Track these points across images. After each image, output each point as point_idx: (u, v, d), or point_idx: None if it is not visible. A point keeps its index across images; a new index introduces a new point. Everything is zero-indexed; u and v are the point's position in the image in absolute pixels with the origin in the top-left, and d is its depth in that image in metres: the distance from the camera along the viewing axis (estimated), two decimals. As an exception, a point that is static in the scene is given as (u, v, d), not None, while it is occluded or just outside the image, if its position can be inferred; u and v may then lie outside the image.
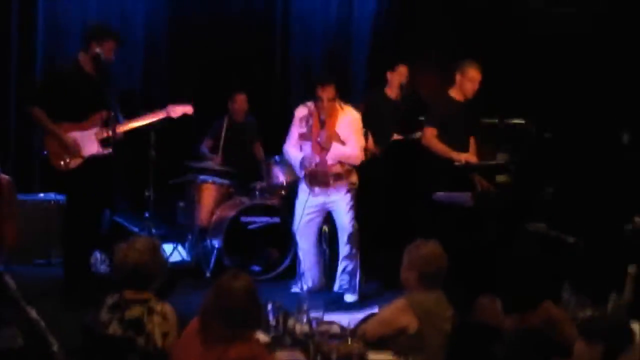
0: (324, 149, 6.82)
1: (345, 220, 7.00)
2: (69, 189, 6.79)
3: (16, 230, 6.86)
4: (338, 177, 6.94)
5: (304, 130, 6.93)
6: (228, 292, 3.73)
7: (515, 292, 4.48)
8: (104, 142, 6.57)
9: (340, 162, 6.91)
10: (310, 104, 6.92)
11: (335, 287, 7.13)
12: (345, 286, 7.07)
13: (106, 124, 6.52)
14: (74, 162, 6.58)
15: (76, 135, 6.56)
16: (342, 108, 6.89)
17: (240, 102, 8.37)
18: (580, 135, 7.94)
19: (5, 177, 6.86)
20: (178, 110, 6.99)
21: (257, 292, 3.82)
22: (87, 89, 6.52)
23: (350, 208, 7.00)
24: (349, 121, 6.89)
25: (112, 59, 6.60)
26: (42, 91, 6.73)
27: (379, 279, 7.37)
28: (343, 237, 7.04)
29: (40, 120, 6.55)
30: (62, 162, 6.58)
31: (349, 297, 7.03)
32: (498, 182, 7.17)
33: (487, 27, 8.79)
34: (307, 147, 6.93)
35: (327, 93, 6.71)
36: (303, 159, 6.93)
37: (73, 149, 6.54)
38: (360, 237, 7.11)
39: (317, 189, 6.94)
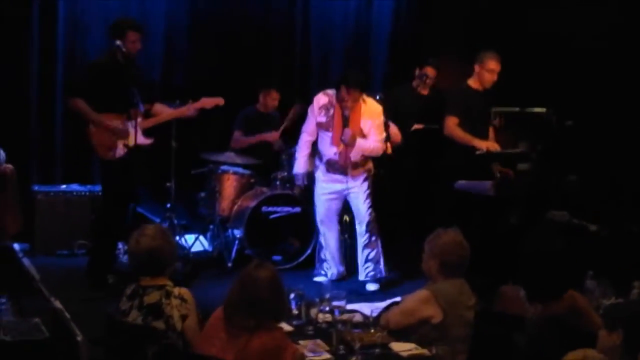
0: (347, 146, 6.82)
1: (363, 208, 7.02)
2: (108, 179, 6.84)
3: (19, 218, 6.96)
4: (355, 165, 6.96)
5: (323, 119, 6.92)
6: (253, 282, 3.75)
7: (539, 281, 4.46)
8: (146, 133, 6.68)
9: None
10: (330, 92, 6.90)
11: (361, 277, 7.13)
12: (371, 273, 7.09)
13: (147, 114, 6.62)
14: (119, 151, 6.63)
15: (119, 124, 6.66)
16: (364, 101, 6.86)
17: (273, 98, 8.40)
18: (601, 123, 7.89)
19: (9, 166, 6.95)
20: (211, 102, 7.14)
21: (281, 283, 3.83)
22: (122, 80, 6.54)
23: (368, 196, 7.02)
24: (371, 115, 6.88)
25: (139, 48, 6.68)
26: (84, 83, 6.74)
27: (401, 268, 7.37)
28: (362, 226, 7.06)
29: (83, 111, 6.59)
30: (109, 152, 6.64)
31: (371, 286, 7.04)
32: (519, 170, 7.15)
33: (506, 16, 8.74)
34: (326, 137, 6.93)
35: (352, 96, 6.69)
36: (296, 176, 7.24)
37: (121, 133, 6.61)
38: (381, 226, 7.12)
39: (334, 175, 6.99)
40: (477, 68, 7.09)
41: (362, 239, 7.09)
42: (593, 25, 8.14)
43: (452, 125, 7.05)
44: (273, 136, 8.30)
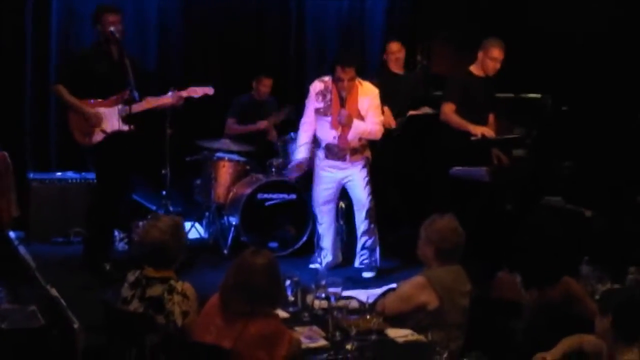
0: (344, 126, 6.81)
1: (362, 195, 6.99)
2: (96, 166, 6.88)
3: (14, 203, 6.97)
4: (354, 151, 6.94)
5: (320, 105, 6.92)
6: (249, 268, 3.75)
7: (534, 267, 4.47)
8: (126, 120, 6.56)
9: (359, 138, 6.91)
10: (327, 78, 6.90)
11: (356, 264, 7.12)
12: (366, 261, 7.07)
13: (127, 102, 6.54)
14: (96, 137, 6.62)
15: (100, 110, 6.61)
16: (360, 84, 6.87)
17: (266, 85, 8.48)
18: (597, 108, 7.89)
19: (3, 153, 6.96)
20: (199, 91, 7.09)
21: (278, 269, 3.84)
22: (107, 67, 6.59)
23: (367, 183, 6.99)
24: (368, 97, 6.88)
25: (121, 29, 6.59)
26: (66, 70, 6.87)
27: (397, 255, 7.36)
28: (361, 213, 7.03)
29: (62, 95, 6.65)
30: (85, 137, 6.64)
31: (367, 274, 7.04)
32: (515, 156, 7.14)
33: (502, 4, 8.73)
34: (325, 123, 6.90)
35: (347, 74, 6.69)
36: (293, 163, 7.14)
37: (94, 120, 6.58)
38: (377, 213, 7.11)
39: (333, 161, 6.95)
40: (480, 55, 7.05)
41: (360, 225, 7.06)
42: (589, 12, 8.13)
43: (448, 111, 7.02)
44: (263, 124, 8.34)
